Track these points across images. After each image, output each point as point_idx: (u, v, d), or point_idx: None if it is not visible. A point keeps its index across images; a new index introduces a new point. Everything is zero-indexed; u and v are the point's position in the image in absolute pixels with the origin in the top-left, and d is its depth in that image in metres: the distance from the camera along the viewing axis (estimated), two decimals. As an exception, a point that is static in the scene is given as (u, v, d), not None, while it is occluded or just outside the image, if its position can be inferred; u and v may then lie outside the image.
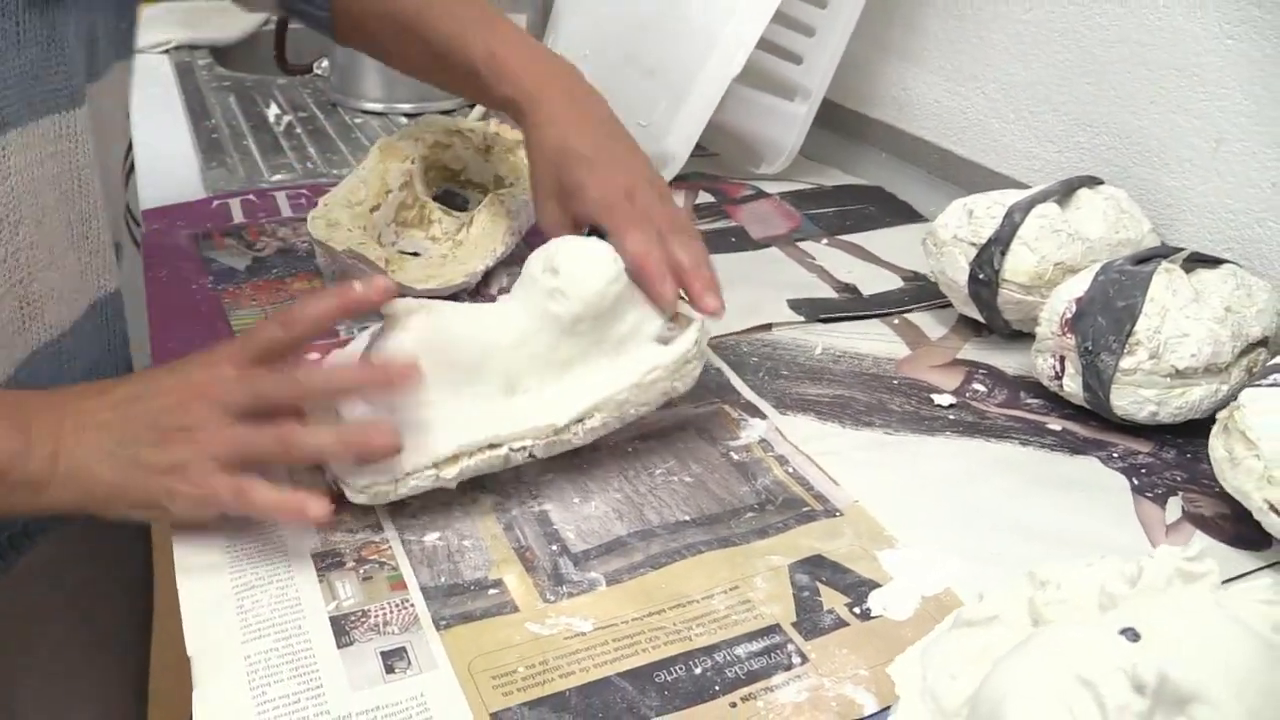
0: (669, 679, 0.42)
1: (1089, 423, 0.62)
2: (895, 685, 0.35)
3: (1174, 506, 0.55)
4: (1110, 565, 0.35)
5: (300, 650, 0.43)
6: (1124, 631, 0.30)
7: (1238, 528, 0.53)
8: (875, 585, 0.47)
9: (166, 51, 1.28)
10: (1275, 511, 0.49)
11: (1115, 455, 0.59)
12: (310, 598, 0.46)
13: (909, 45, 0.95)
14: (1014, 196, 0.68)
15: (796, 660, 0.43)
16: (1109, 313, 0.58)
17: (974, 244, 0.67)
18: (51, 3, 0.52)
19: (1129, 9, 0.73)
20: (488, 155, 0.82)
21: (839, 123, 1.04)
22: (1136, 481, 0.57)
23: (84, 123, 0.55)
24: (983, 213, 0.67)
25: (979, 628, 0.34)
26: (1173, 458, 0.59)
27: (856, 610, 0.46)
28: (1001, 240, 0.66)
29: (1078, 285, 0.61)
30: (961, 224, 0.68)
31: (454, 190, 0.83)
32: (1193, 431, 0.59)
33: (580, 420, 0.52)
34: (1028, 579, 0.35)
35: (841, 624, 0.45)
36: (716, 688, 0.42)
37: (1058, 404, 0.63)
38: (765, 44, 0.92)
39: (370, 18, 0.72)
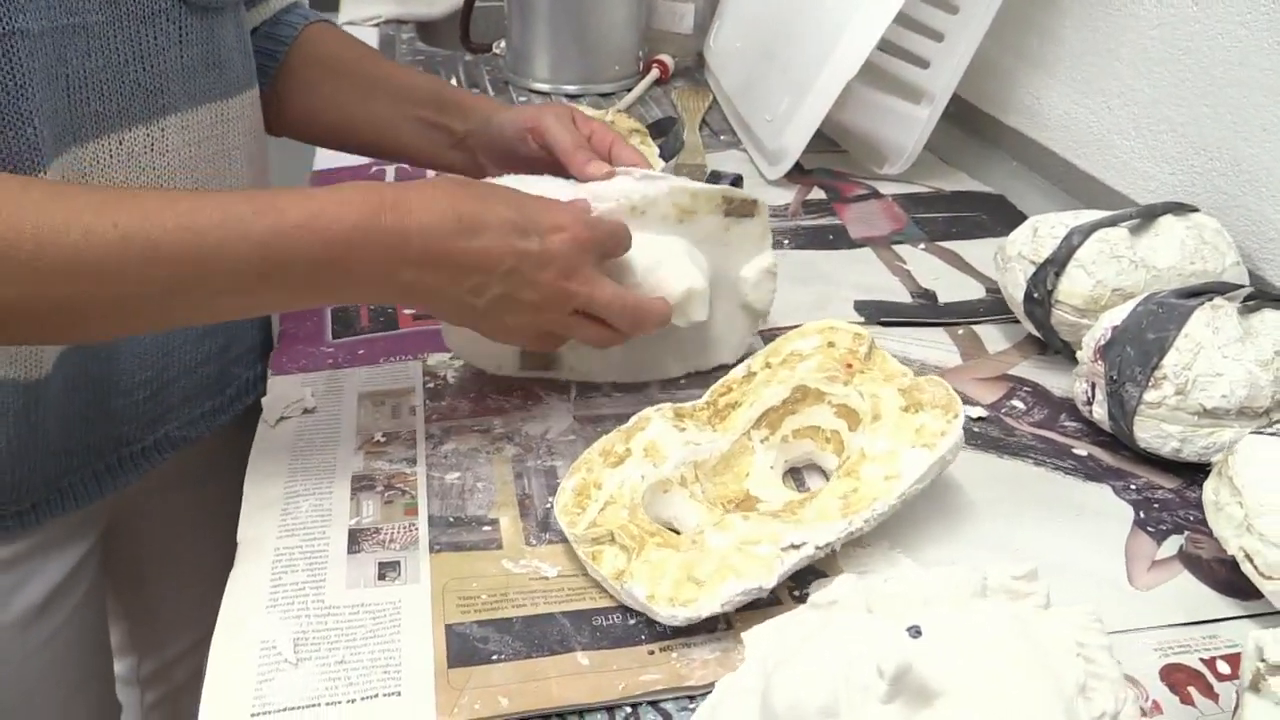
0: (604, 624, 0.48)
1: (1119, 452, 0.61)
2: (745, 649, 0.39)
3: (1172, 544, 0.55)
4: (948, 572, 0.37)
5: (318, 551, 0.52)
6: (910, 628, 0.33)
7: (1232, 574, 0.52)
8: (824, 576, 0.51)
9: (376, 25, 1.43)
10: (1250, 561, 0.48)
11: (1133, 487, 0.59)
12: (339, 511, 0.55)
13: (1044, 54, 0.93)
14: (1085, 218, 0.67)
15: (721, 626, 0.48)
16: (1138, 344, 0.58)
17: (1033, 262, 0.67)
18: (212, 10, 0.62)
19: (1251, 30, 0.70)
20: (604, 141, 0.88)
21: (974, 125, 1.03)
22: (1142, 515, 0.56)
23: (239, 110, 0.65)
24: (1046, 232, 0.67)
25: (821, 610, 0.38)
26: (1196, 497, 0.58)
27: (796, 594, 0.50)
28: (1057, 261, 0.65)
29: (1119, 313, 0.61)
30: (1026, 241, 0.68)
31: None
32: (1222, 473, 0.57)
33: None
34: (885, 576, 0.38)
35: (776, 603, 0.49)
36: (643, 638, 0.47)
37: (1091, 430, 0.63)
38: (893, 48, 0.93)
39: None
